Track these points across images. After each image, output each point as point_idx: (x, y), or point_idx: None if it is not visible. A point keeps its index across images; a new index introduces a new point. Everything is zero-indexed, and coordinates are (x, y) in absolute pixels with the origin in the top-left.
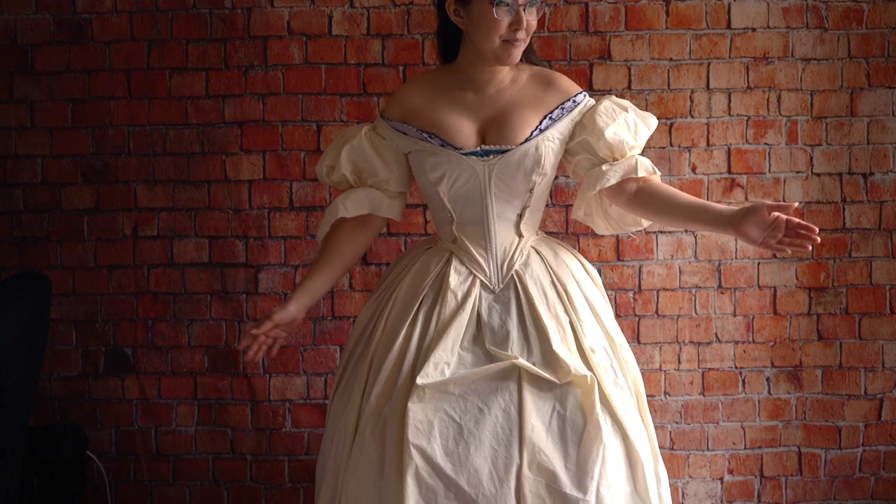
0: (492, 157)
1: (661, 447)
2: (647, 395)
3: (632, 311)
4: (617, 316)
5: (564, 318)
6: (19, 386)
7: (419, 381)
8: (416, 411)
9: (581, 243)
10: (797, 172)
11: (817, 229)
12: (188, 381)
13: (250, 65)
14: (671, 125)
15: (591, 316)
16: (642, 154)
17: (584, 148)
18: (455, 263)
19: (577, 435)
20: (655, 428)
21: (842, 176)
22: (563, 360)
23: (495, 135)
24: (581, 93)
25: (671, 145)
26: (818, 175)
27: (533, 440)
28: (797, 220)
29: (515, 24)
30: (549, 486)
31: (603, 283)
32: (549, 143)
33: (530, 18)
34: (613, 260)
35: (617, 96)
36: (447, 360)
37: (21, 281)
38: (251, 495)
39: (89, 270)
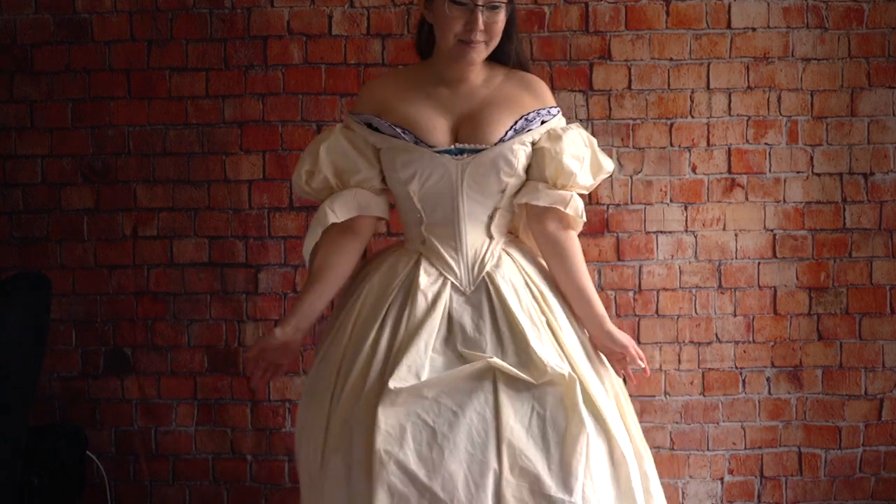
0: (465, 155)
1: (660, 447)
2: (648, 396)
3: (632, 311)
4: (617, 316)
5: (541, 319)
6: (19, 386)
7: (392, 384)
8: (388, 416)
9: (581, 243)
10: (797, 172)
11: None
12: (188, 381)
13: (250, 65)
14: (671, 125)
15: (566, 318)
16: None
17: (537, 156)
18: (425, 265)
19: (558, 435)
20: (656, 428)
21: (842, 176)
22: (540, 359)
23: (469, 133)
24: (557, 108)
25: (671, 145)
26: (818, 175)
27: (513, 443)
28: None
29: (470, 23)
30: (532, 489)
31: (603, 283)
32: (522, 147)
33: (489, 20)
34: (613, 260)
35: (617, 96)
36: (420, 362)
37: (21, 281)
38: (251, 495)
39: (89, 270)
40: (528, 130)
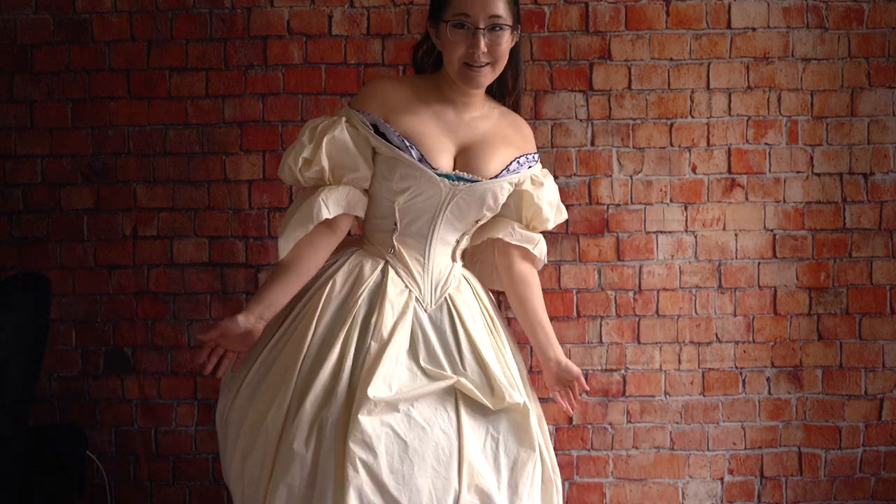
0: (461, 183)
1: (661, 447)
2: (648, 396)
3: (632, 311)
4: (617, 316)
5: (496, 346)
6: (19, 386)
7: (371, 393)
8: (365, 424)
9: (581, 243)
10: (797, 172)
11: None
12: (188, 381)
13: (250, 65)
14: (671, 125)
15: (511, 345)
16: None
17: (517, 198)
18: (392, 274)
19: (510, 459)
20: (656, 428)
21: (842, 176)
22: (500, 386)
23: (468, 163)
24: (538, 153)
25: (671, 145)
26: (818, 175)
27: (472, 463)
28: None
29: (473, 47)
30: None
31: (603, 283)
32: (508, 186)
33: (492, 42)
34: (613, 260)
35: (617, 96)
36: (393, 374)
37: (21, 281)
38: None
39: (89, 270)
40: (518, 173)
